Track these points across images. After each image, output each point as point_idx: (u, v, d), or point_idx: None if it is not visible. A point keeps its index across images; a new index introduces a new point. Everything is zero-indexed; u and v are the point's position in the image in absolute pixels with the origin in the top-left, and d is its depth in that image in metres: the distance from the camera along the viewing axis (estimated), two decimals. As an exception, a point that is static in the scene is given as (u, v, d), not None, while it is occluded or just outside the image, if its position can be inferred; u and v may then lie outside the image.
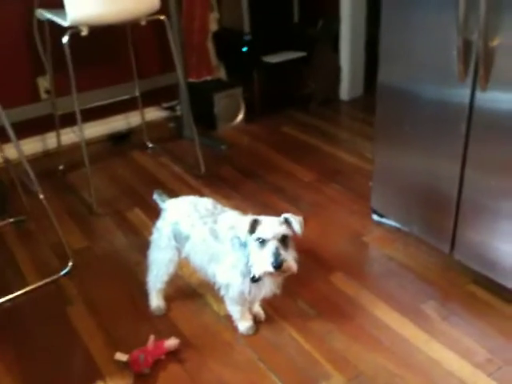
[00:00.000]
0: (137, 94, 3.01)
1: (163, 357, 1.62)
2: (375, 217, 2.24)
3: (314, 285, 1.92)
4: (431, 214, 1.95)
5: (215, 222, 1.60)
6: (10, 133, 1.86)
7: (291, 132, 3.17)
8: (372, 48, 3.28)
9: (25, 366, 1.64)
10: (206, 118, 3.17)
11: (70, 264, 2.05)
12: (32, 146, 2.95)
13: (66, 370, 1.64)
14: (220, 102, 3.16)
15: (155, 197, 1.77)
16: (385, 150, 2.07)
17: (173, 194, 2.55)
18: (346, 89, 3.58)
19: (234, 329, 1.73)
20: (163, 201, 1.75)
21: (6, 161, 2.34)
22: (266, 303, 1.82)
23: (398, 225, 2.16)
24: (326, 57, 3.50)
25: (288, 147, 2.98)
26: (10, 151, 2.34)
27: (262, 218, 1.48)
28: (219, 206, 1.67)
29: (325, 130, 3.17)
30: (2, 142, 2.29)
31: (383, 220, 2.21)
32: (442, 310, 1.76)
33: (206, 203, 1.67)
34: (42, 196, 1.94)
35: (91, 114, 2.95)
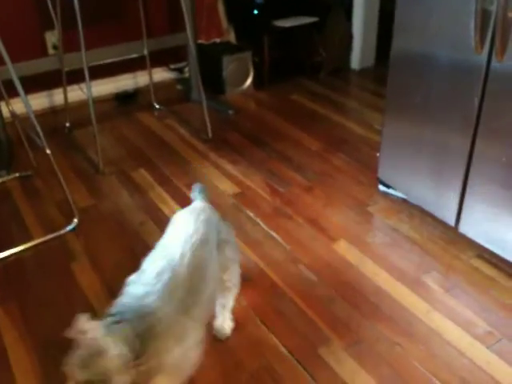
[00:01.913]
0: (145, 53, 2.96)
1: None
2: (381, 187, 2.23)
3: (317, 252, 1.92)
4: (438, 187, 1.94)
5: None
6: (18, 87, 1.83)
7: (300, 100, 3.14)
8: (386, 17, 3.22)
9: (29, 319, 1.66)
10: (214, 82, 3.14)
11: (75, 221, 2.06)
12: (39, 101, 2.93)
13: (69, 324, 1.65)
14: (229, 65, 3.12)
15: (196, 190, 1.55)
16: (394, 121, 2.05)
17: (179, 157, 2.57)
18: (358, 58, 3.53)
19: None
20: (197, 197, 1.53)
21: (13, 115, 2.32)
22: (270, 269, 1.84)
23: (404, 196, 2.15)
24: (339, 24, 3.43)
25: (296, 115, 2.95)
26: (17, 106, 2.31)
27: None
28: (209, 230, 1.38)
29: (334, 100, 3.13)
30: (9, 96, 2.27)
31: (389, 191, 2.21)
32: (445, 283, 1.77)
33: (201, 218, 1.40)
34: (48, 151, 1.93)
35: (98, 72, 2.92)
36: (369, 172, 2.36)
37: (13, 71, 1.79)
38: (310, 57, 3.49)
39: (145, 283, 1.19)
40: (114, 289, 1.76)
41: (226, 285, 1.51)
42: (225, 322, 1.58)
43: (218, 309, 1.56)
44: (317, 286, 1.77)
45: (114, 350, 1.04)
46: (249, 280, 1.80)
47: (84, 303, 1.71)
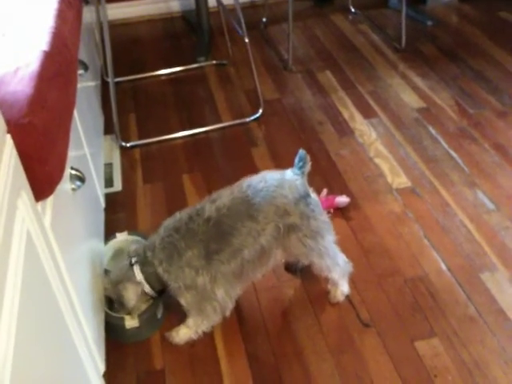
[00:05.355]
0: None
1: (331, 210, 1.71)
2: None
3: (500, 181, 1.80)
4: None
5: None
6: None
7: (510, 18, 2.81)
8: None
9: (209, 187, 1.84)
10: (416, -11, 2.93)
11: (260, 111, 2.17)
12: (240, -5, 3.02)
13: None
14: (437, -28, 2.87)
15: (297, 157, 1.35)
16: None
17: (367, 63, 2.52)
18: None
19: (405, 204, 1.73)
20: (296, 166, 1.34)
21: (219, 4, 2.45)
22: (442, 188, 1.78)
23: None
24: None
25: (502, 35, 2.66)
26: (222, -4, 2.44)
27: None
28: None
29: (553, 21, 2.75)
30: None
31: None
32: None
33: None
34: (247, 40, 2.03)
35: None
36: None
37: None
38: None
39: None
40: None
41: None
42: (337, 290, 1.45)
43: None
44: (492, 214, 1.68)
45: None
46: (418, 195, 1.78)
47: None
